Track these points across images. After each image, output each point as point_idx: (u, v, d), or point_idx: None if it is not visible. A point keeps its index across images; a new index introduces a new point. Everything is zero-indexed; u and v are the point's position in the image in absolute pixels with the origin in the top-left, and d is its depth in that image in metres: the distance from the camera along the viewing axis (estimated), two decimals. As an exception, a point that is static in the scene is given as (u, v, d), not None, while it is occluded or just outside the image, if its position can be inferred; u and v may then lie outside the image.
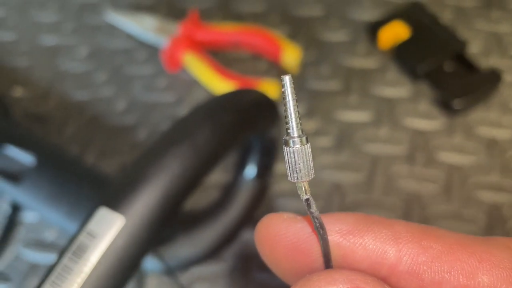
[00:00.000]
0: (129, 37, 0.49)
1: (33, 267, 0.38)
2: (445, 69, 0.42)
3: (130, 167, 0.22)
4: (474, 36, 0.46)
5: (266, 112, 0.29)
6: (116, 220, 0.21)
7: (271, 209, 0.39)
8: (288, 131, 0.13)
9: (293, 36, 0.48)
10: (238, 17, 0.50)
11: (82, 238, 0.21)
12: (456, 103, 0.40)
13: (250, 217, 0.37)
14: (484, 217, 0.37)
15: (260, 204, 0.37)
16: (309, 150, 0.13)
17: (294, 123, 0.13)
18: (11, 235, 0.40)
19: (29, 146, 0.40)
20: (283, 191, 0.39)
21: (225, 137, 0.24)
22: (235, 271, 0.37)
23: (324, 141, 0.41)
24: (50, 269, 0.21)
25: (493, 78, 0.41)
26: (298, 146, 0.13)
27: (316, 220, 0.14)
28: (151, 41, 0.48)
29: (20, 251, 0.39)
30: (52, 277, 0.20)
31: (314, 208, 0.14)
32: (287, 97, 0.13)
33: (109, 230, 0.20)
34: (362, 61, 0.45)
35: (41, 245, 0.39)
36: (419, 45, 0.43)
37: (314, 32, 0.48)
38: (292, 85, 0.13)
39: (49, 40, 0.50)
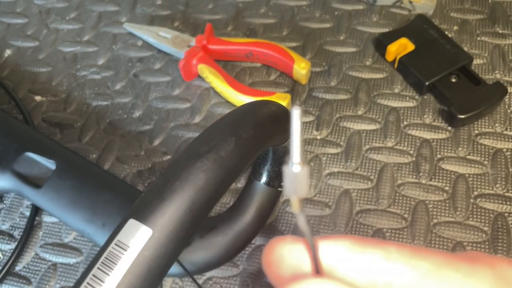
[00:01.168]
0: (146, 46, 0.51)
1: (51, 267, 0.40)
2: (450, 81, 0.44)
3: (157, 181, 0.24)
4: (480, 49, 0.47)
5: (284, 123, 0.30)
6: (144, 232, 0.22)
7: (283, 216, 0.40)
8: (291, 155, 0.15)
9: (303, 47, 0.49)
10: (249, 29, 0.51)
11: (111, 248, 0.22)
12: (462, 115, 0.41)
13: (263, 224, 0.39)
14: (488, 227, 0.38)
15: (272, 211, 0.39)
16: (307, 173, 0.15)
17: (296, 150, 0.15)
18: (31, 237, 0.42)
19: (49, 152, 0.42)
20: (293, 199, 0.41)
21: (247, 151, 0.26)
22: (247, 274, 0.38)
23: (332, 149, 0.43)
24: (80, 278, 0.22)
25: (498, 91, 0.43)
26: (298, 170, 0.15)
27: (304, 231, 0.16)
28: (167, 50, 0.50)
29: (39, 252, 0.41)
30: (82, 286, 0.21)
31: (303, 222, 0.16)
32: (293, 126, 0.15)
33: (137, 241, 0.22)
34: (370, 72, 0.47)
35: (59, 246, 0.41)
36: (425, 57, 0.44)
37: (323, 44, 0.49)
38: (300, 117, 0.15)
39: (68, 48, 0.52)
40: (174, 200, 0.23)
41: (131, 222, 0.23)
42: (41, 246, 0.41)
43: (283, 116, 0.31)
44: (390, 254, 0.17)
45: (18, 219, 0.42)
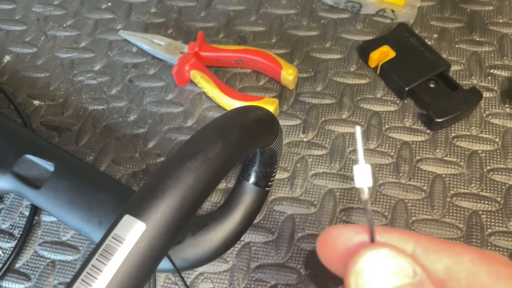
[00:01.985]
0: (141, 52, 0.53)
1: (50, 264, 0.42)
2: (429, 87, 0.46)
3: (150, 179, 0.26)
4: (458, 56, 0.50)
5: (269, 127, 0.33)
6: (139, 226, 0.24)
7: (271, 214, 0.42)
8: (357, 157, 0.21)
9: (291, 53, 0.52)
10: (240, 37, 0.53)
11: (108, 241, 0.24)
12: (439, 119, 0.44)
13: (251, 221, 0.41)
14: (464, 224, 0.40)
15: (260, 210, 0.41)
16: (370, 170, 0.21)
17: (361, 155, 0.21)
18: (30, 235, 0.43)
19: (48, 154, 0.44)
20: (280, 198, 0.43)
21: (233, 152, 0.28)
22: (237, 270, 0.40)
23: (318, 151, 0.45)
24: (80, 269, 0.24)
25: (474, 95, 0.45)
26: (363, 167, 0.21)
27: (367, 210, 0.21)
28: (160, 57, 0.52)
29: (38, 250, 0.43)
30: (81, 276, 0.23)
31: (369, 208, 0.21)
32: (357, 139, 0.21)
33: (132, 235, 0.24)
34: (354, 78, 0.49)
35: (57, 244, 0.43)
36: (406, 64, 0.47)
37: (309, 51, 0.52)
38: (361, 132, 0.20)
39: (65, 54, 0.54)
40: (166, 198, 0.25)
41: (127, 217, 0.25)
42: (40, 244, 0.43)
43: (268, 120, 0.33)
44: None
45: (17, 219, 0.44)
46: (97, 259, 0.24)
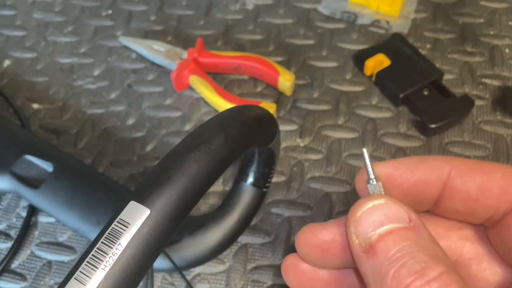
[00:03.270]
0: (140, 58, 0.54)
1: (46, 265, 0.42)
2: (423, 94, 0.47)
3: (154, 168, 0.26)
4: (450, 66, 0.51)
5: (268, 126, 0.33)
6: (143, 212, 0.25)
7: (267, 217, 0.43)
8: (369, 177, 0.23)
9: (288, 61, 0.53)
10: (238, 44, 0.55)
11: (114, 226, 0.25)
12: (433, 125, 0.45)
13: (249, 222, 0.41)
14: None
15: (258, 211, 0.42)
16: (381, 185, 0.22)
17: (371, 172, 0.23)
18: (27, 236, 0.43)
19: (47, 155, 0.44)
20: (277, 201, 0.44)
21: (234, 145, 0.29)
22: (234, 271, 0.41)
23: (314, 155, 0.46)
24: (86, 252, 0.25)
25: (466, 103, 0.47)
26: (376, 183, 0.23)
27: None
28: (159, 62, 0.53)
29: (34, 250, 0.43)
30: (87, 258, 0.24)
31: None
32: (365, 159, 0.23)
33: (136, 219, 0.25)
34: (350, 86, 0.50)
35: (54, 245, 0.43)
36: (400, 72, 0.48)
37: (306, 59, 0.53)
38: (368, 154, 0.23)
39: (65, 59, 0.55)
40: (169, 185, 0.26)
41: (132, 203, 0.25)
42: (36, 245, 0.43)
43: (267, 119, 0.34)
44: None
45: (14, 220, 0.44)
46: (102, 242, 0.24)
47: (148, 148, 0.48)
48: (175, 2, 0.59)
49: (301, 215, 0.43)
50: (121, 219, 0.25)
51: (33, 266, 0.42)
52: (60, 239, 0.43)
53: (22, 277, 0.41)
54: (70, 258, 0.42)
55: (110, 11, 0.59)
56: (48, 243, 0.43)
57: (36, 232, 0.44)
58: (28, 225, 0.44)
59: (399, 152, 0.45)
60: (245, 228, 0.41)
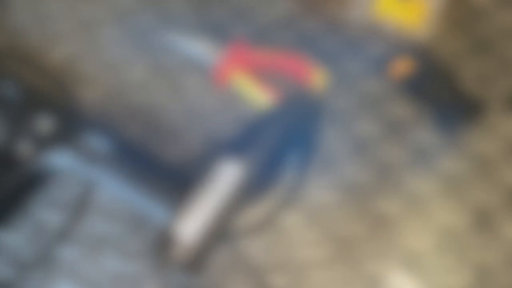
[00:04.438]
0: (182, 54, 0.59)
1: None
2: (445, 95, 0.53)
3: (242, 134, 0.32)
4: (469, 75, 0.57)
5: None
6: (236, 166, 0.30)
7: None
8: None
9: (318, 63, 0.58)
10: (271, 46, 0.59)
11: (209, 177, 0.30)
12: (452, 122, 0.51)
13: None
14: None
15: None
16: None
17: None
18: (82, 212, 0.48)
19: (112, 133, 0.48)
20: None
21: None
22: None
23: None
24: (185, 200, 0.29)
25: (481, 103, 0.53)
26: None
27: None
28: (201, 59, 0.57)
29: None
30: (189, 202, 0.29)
31: None
32: None
33: (229, 173, 0.30)
34: (376, 87, 0.56)
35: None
36: (425, 76, 0.54)
37: (335, 61, 0.58)
38: None
39: (112, 55, 0.60)
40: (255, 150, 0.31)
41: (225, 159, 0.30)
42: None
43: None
44: None
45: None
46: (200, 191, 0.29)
47: (191, 140, 0.53)
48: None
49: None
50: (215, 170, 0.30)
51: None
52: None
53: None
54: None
55: (152, 10, 0.63)
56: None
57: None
58: (85, 201, 0.48)
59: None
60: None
